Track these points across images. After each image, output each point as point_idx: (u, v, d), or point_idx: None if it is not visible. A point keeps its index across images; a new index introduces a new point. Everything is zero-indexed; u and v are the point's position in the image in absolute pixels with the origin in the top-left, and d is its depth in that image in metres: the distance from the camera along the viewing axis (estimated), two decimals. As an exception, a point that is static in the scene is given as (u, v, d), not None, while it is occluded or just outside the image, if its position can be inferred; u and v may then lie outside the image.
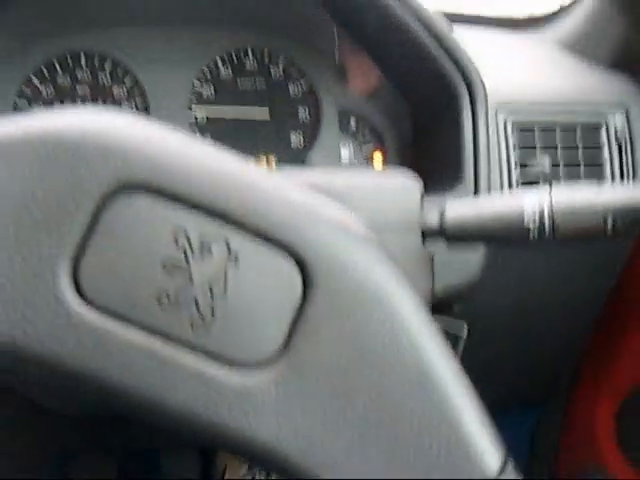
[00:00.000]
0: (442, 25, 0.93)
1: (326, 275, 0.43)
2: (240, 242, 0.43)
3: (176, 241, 0.42)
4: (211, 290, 0.43)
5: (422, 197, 0.69)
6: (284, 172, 0.66)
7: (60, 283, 0.42)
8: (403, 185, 0.69)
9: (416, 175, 0.71)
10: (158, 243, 0.42)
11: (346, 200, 0.64)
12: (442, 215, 0.67)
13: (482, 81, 0.95)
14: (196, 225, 0.43)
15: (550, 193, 0.64)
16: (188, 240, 0.43)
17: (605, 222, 0.63)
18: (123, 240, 0.42)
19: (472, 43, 1.04)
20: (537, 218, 0.63)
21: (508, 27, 1.29)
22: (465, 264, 0.83)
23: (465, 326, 0.74)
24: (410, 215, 0.67)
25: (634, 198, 0.63)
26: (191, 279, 0.42)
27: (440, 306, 0.76)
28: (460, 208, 0.67)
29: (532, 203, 0.64)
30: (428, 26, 0.91)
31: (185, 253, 0.42)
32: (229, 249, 0.43)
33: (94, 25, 1.02)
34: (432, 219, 0.67)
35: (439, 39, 0.91)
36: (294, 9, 1.01)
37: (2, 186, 0.42)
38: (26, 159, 0.42)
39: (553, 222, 0.63)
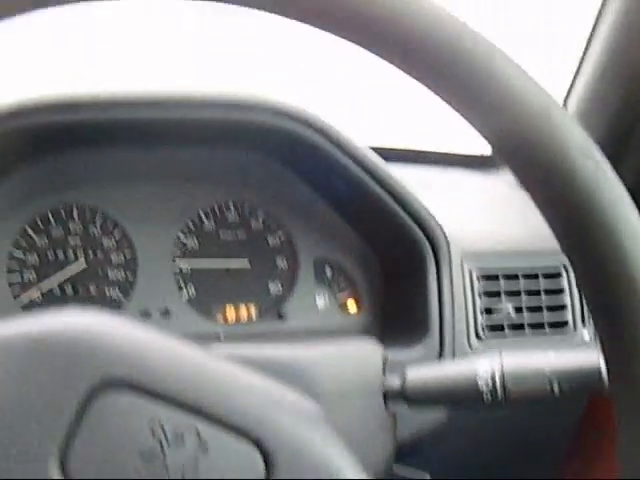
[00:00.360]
0: (400, 182, 1.00)
1: (286, 458, 0.49)
2: (208, 431, 0.48)
3: (152, 432, 0.48)
4: (184, 477, 0.47)
5: (384, 362, 0.75)
6: (250, 348, 0.72)
7: (49, 470, 0.47)
8: (365, 352, 0.75)
9: (377, 341, 0.77)
10: (137, 434, 0.47)
11: (311, 370, 0.70)
12: (403, 380, 0.72)
13: (444, 234, 1.02)
14: (170, 417, 0.48)
15: (501, 358, 0.70)
16: (163, 431, 0.48)
17: (552, 386, 0.69)
18: (106, 431, 0.47)
19: (431, 185, 1.12)
20: (490, 382, 0.69)
21: (464, 165, 1.35)
22: (427, 416, 0.88)
23: (427, 476, 0.79)
24: (373, 380, 0.73)
25: (579, 363, 0.69)
26: (166, 467, 0.47)
27: (405, 451, 0.80)
28: (420, 373, 0.72)
29: (485, 368, 0.70)
30: (386, 185, 0.99)
31: (161, 443, 0.48)
32: (199, 438, 0.48)
33: (86, 181, 1.09)
34: (394, 383, 0.73)
35: (398, 197, 0.99)
36: (270, 168, 1.09)
37: None
38: (17, 358, 0.48)
39: (504, 386, 0.69)
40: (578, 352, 0.70)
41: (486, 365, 0.70)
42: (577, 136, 0.39)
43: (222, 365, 0.51)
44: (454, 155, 1.37)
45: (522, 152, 0.40)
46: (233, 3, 0.40)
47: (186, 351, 0.51)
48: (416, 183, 1.05)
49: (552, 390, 0.68)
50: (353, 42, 0.40)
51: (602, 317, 0.40)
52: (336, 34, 0.40)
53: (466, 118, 0.41)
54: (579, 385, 0.69)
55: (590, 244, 0.39)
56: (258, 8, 0.40)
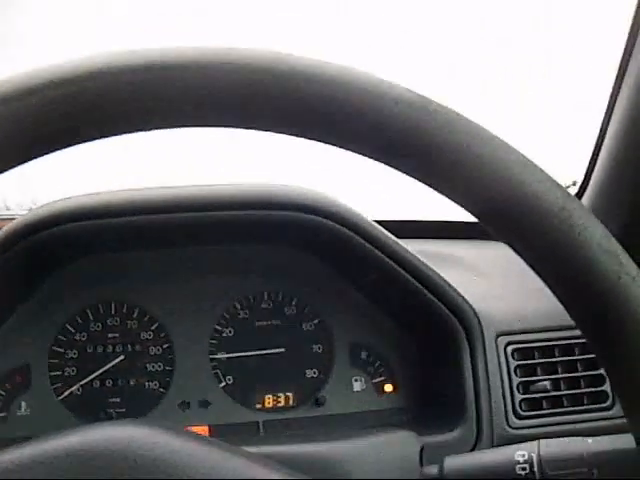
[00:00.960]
0: (429, 268, 1.02)
1: None
2: None
3: None
4: None
5: (421, 452, 0.76)
6: (290, 445, 0.73)
7: None
8: (402, 443, 0.75)
9: (414, 430, 0.78)
10: None
11: (350, 464, 0.71)
12: (441, 470, 0.73)
13: (476, 314, 1.02)
14: None
15: (539, 446, 0.70)
16: None
17: (591, 471, 0.69)
18: None
19: (453, 260, 1.12)
20: (528, 470, 0.69)
21: (480, 236, 1.33)
22: None
23: None
24: (410, 471, 0.74)
25: (618, 449, 0.69)
26: None
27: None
28: (458, 462, 0.73)
29: (523, 456, 0.70)
30: (416, 273, 1.01)
31: None
32: None
33: (122, 279, 1.12)
34: (432, 473, 0.73)
35: (427, 284, 1.01)
36: (301, 259, 1.11)
37: None
38: (61, 474, 0.50)
39: (542, 472, 0.69)
40: (616, 437, 0.70)
41: (524, 453, 0.70)
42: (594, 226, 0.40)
43: (259, 466, 0.52)
44: (467, 224, 1.36)
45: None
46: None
47: (231, 464, 0.52)
48: (438, 259, 1.07)
49: (592, 474, 0.69)
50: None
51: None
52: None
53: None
54: (619, 468, 0.69)
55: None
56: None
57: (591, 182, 1.19)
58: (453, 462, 0.73)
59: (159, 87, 0.39)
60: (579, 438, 0.71)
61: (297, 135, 0.42)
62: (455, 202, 0.43)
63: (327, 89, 0.40)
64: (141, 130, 0.41)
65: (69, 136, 0.41)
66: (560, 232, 0.40)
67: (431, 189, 0.42)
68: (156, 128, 0.42)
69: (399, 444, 0.75)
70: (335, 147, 0.42)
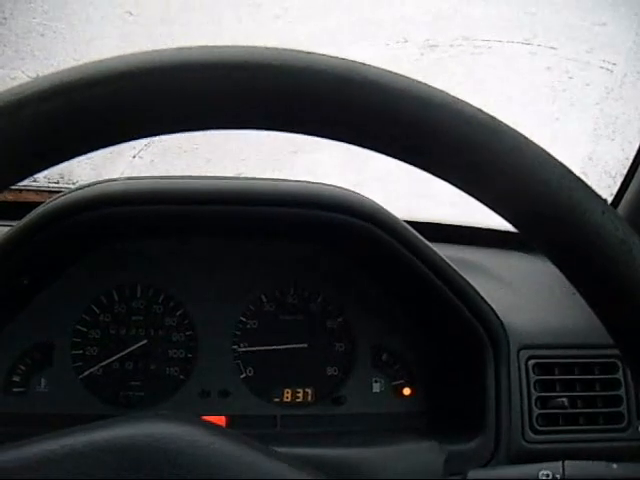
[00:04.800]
0: (460, 277, 1.02)
1: None
2: None
3: None
4: None
5: (445, 464, 0.76)
6: (314, 448, 0.73)
7: None
8: (426, 453, 0.76)
9: (438, 444, 0.78)
10: None
11: (373, 471, 0.71)
12: None
13: (504, 328, 1.03)
14: None
15: (563, 466, 0.71)
16: None
17: None
18: None
19: (480, 268, 1.12)
20: None
21: (509, 245, 1.32)
22: None
23: None
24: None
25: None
26: None
27: None
28: (481, 476, 0.73)
29: (547, 475, 0.70)
30: (448, 280, 1.01)
31: None
32: None
33: (151, 263, 1.12)
34: None
35: (459, 292, 1.01)
36: (331, 257, 1.12)
37: None
38: (102, 467, 0.50)
39: None
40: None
41: (548, 473, 0.70)
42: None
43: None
44: (499, 232, 1.35)
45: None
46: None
47: (266, 463, 0.53)
48: (464, 265, 1.07)
49: (615, 500, 0.69)
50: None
51: None
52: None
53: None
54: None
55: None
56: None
57: (627, 193, 1.19)
58: (476, 475, 0.74)
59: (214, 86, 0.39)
60: (604, 463, 0.71)
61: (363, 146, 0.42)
62: (497, 212, 0.43)
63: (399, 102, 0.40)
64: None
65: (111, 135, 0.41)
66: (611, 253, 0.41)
67: (475, 199, 0.43)
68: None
69: (424, 453, 0.76)
70: (382, 154, 0.42)
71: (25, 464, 0.50)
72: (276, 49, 0.40)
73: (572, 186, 0.41)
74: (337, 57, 0.40)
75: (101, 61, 0.39)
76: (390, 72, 0.41)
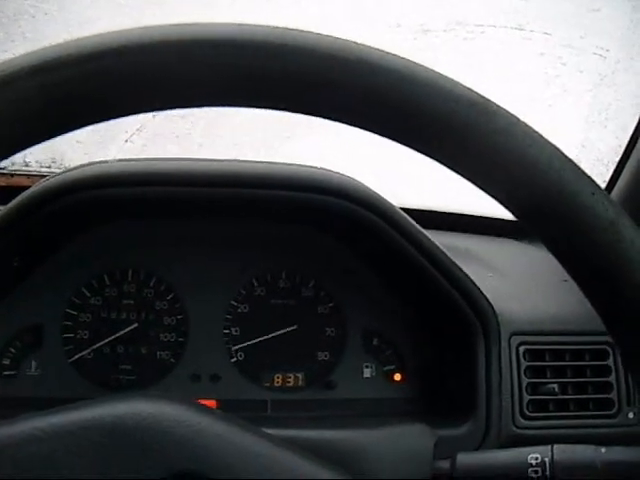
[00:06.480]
0: (453, 263, 1.02)
1: None
2: None
3: None
4: None
5: (435, 447, 0.76)
6: (305, 430, 0.73)
7: None
8: (416, 436, 0.76)
9: (429, 428, 0.78)
10: None
11: (362, 453, 0.71)
12: (453, 465, 0.74)
13: (495, 314, 1.03)
14: None
15: (552, 450, 0.71)
16: None
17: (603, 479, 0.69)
18: None
19: (473, 255, 1.11)
20: (540, 472, 0.70)
21: (503, 233, 1.33)
22: None
23: None
24: (422, 464, 0.74)
25: (630, 461, 0.70)
26: None
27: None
28: (470, 459, 0.74)
29: (536, 459, 0.71)
30: (441, 266, 1.01)
31: None
32: None
33: (142, 246, 1.12)
34: (443, 467, 0.74)
35: (451, 278, 1.01)
36: (323, 241, 1.12)
37: (72, 469, 0.49)
38: (90, 447, 0.50)
39: (554, 477, 0.70)
40: (630, 448, 0.71)
41: (537, 456, 0.70)
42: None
43: (294, 459, 0.53)
44: (491, 219, 1.34)
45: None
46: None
47: (256, 444, 0.53)
48: (457, 252, 1.07)
49: (603, 478, 0.69)
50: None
51: None
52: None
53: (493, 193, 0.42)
54: (632, 477, 0.70)
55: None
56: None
57: (619, 180, 1.19)
58: (465, 459, 0.74)
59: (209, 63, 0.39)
60: (592, 446, 0.72)
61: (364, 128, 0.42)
62: (487, 192, 0.43)
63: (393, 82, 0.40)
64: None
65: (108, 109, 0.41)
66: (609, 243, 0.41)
67: (465, 179, 0.43)
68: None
69: (414, 437, 0.76)
70: (382, 137, 0.42)
71: (12, 442, 0.50)
72: (268, 26, 0.40)
73: (562, 167, 0.41)
74: (333, 36, 0.40)
75: (95, 35, 0.39)
76: (381, 51, 0.40)
